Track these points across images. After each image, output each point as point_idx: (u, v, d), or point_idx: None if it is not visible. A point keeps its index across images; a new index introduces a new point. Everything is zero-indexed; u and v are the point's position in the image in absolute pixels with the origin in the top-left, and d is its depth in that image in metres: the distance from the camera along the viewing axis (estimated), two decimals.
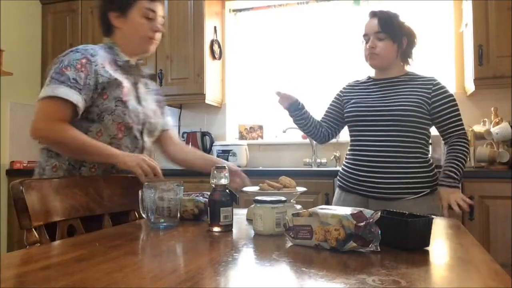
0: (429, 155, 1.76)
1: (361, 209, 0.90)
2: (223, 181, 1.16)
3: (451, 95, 1.73)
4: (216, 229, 1.13)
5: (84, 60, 1.38)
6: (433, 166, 1.74)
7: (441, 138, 1.79)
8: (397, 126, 1.68)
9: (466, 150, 1.69)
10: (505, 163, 2.44)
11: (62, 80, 1.34)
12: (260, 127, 3.46)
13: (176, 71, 3.22)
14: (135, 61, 1.57)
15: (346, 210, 0.91)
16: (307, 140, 3.17)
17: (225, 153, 3.13)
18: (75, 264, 0.80)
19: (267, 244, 0.99)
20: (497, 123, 2.55)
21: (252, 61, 3.53)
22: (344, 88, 1.93)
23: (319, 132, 1.91)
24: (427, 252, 0.90)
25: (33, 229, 1.09)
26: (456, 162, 1.67)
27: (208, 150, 3.28)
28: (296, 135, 3.25)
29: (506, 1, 2.53)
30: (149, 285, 0.67)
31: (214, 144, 3.29)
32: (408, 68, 1.83)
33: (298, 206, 1.31)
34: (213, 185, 1.16)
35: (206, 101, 3.20)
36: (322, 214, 0.91)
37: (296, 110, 1.88)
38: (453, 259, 0.88)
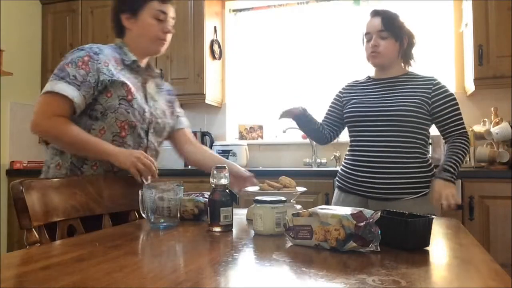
0: (428, 155, 1.76)
1: (361, 209, 0.91)
2: (223, 181, 1.16)
3: (452, 94, 1.73)
4: (216, 229, 1.13)
5: (86, 58, 1.41)
6: (432, 166, 1.74)
7: (442, 138, 1.78)
8: (397, 126, 1.68)
9: (466, 148, 1.68)
10: (505, 163, 2.44)
11: (62, 76, 1.37)
12: (260, 127, 3.46)
13: (176, 71, 3.22)
14: (146, 61, 1.59)
15: (346, 210, 0.91)
16: (307, 140, 3.17)
17: (225, 153, 3.13)
18: (75, 264, 0.80)
19: (267, 244, 0.99)
20: (497, 123, 2.55)
21: (252, 61, 3.53)
22: (343, 89, 1.93)
23: (322, 134, 1.91)
24: (427, 252, 0.90)
25: (33, 229, 1.09)
26: (455, 158, 1.66)
27: None
28: (296, 135, 3.25)
29: (506, 1, 2.53)
30: (149, 285, 0.67)
31: (214, 144, 3.29)
32: (408, 68, 1.83)
33: (298, 206, 1.31)
34: (213, 185, 1.16)
35: (206, 101, 3.20)
36: (322, 214, 0.91)
37: (301, 118, 1.86)
38: (453, 259, 0.88)
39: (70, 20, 3.48)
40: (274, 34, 3.47)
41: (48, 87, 1.37)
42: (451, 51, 3.01)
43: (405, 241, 0.90)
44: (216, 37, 3.35)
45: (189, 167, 3.23)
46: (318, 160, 3.16)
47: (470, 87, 2.71)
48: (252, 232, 1.10)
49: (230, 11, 3.56)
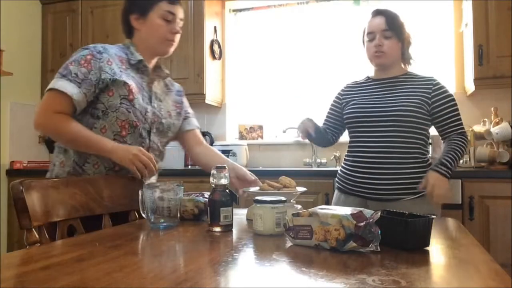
0: (428, 155, 1.76)
1: (361, 209, 0.91)
2: (223, 181, 1.16)
3: (451, 95, 1.73)
4: (216, 229, 1.13)
5: (89, 57, 1.43)
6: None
7: (440, 138, 1.78)
8: (396, 126, 1.68)
9: (464, 146, 1.68)
10: (505, 163, 2.44)
11: (64, 74, 1.40)
12: (260, 127, 3.46)
13: (176, 71, 3.22)
14: (155, 62, 1.60)
15: (346, 210, 0.91)
16: (307, 140, 3.16)
17: (225, 153, 3.11)
18: (75, 264, 0.80)
19: (267, 244, 0.99)
20: (497, 123, 2.55)
21: (252, 61, 3.53)
22: (342, 90, 1.93)
23: (327, 139, 1.90)
24: (427, 252, 0.90)
25: (33, 229, 1.09)
26: (452, 153, 1.65)
27: None
28: (296, 135, 3.25)
29: (506, 1, 2.53)
30: (149, 285, 0.67)
31: (214, 144, 3.29)
32: (407, 68, 1.83)
33: (298, 206, 1.31)
34: (213, 185, 1.16)
35: (206, 101, 3.20)
36: (322, 214, 0.91)
37: (315, 133, 1.81)
38: (453, 259, 0.88)
39: (70, 20, 3.47)
40: (274, 34, 3.47)
41: (50, 84, 1.41)
42: (451, 51, 3.01)
43: (405, 241, 0.90)
44: (216, 37, 3.35)
45: (189, 167, 3.23)
46: (318, 160, 3.16)
47: (470, 87, 2.71)
48: (252, 232, 1.10)
49: (230, 11, 3.55)
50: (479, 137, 2.56)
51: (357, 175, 1.73)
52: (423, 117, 1.70)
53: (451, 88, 2.85)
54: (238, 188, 1.47)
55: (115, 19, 3.32)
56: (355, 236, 0.85)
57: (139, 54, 1.53)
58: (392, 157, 1.67)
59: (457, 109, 1.72)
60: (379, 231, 0.87)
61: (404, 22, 1.77)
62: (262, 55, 3.50)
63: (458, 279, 0.73)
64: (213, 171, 1.17)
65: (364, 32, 1.81)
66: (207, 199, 1.22)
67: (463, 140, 1.69)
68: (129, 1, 1.57)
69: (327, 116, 1.96)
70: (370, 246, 0.86)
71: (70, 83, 1.38)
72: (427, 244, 0.93)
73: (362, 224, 0.86)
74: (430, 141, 1.83)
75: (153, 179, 1.63)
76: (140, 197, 1.20)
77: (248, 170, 1.55)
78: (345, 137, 1.93)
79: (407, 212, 0.99)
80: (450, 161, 1.63)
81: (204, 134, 3.36)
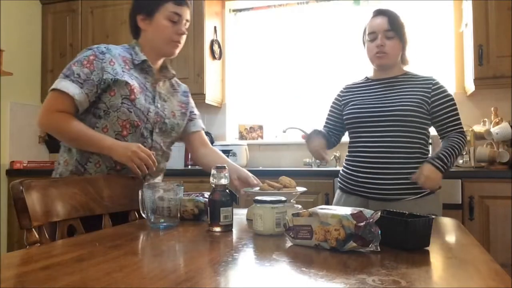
0: (429, 155, 1.76)
1: (361, 209, 0.91)
2: (223, 181, 1.16)
3: (450, 95, 1.73)
4: (216, 229, 1.13)
5: (92, 57, 1.45)
6: None
7: (439, 138, 1.78)
8: (397, 126, 1.68)
9: (463, 144, 1.67)
10: (505, 163, 2.44)
11: (67, 74, 1.43)
12: (260, 127, 3.46)
13: (176, 71, 3.16)
14: (161, 62, 1.61)
15: (346, 210, 0.91)
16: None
17: (225, 153, 3.11)
18: (75, 264, 0.80)
19: (267, 244, 0.99)
20: (497, 123, 2.55)
21: (252, 61, 3.53)
22: (341, 91, 1.92)
23: (330, 142, 1.89)
24: (427, 252, 0.90)
25: (33, 229, 1.09)
26: (450, 149, 1.64)
27: None
28: (296, 135, 3.25)
29: (506, 1, 2.53)
30: (149, 285, 0.67)
31: (214, 144, 3.29)
32: (406, 68, 1.83)
33: (298, 206, 1.31)
34: (213, 185, 1.16)
35: (206, 101, 3.20)
36: (322, 214, 0.91)
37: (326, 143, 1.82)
38: (453, 259, 0.88)
39: (70, 20, 3.47)
40: (274, 34, 3.47)
41: (53, 85, 1.43)
42: (451, 51, 3.01)
43: (405, 241, 0.90)
44: (216, 37, 3.35)
45: (189, 167, 3.23)
46: (318, 160, 3.15)
47: (470, 87, 2.71)
48: (252, 232, 1.10)
49: (230, 11, 3.55)
50: (479, 137, 2.56)
51: (358, 175, 1.73)
52: (423, 116, 1.70)
53: (451, 88, 2.85)
54: (238, 189, 1.46)
55: (115, 19, 3.32)
56: (355, 236, 0.85)
57: (143, 55, 1.54)
58: (393, 157, 1.67)
59: (456, 109, 1.72)
60: (379, 231, 0.87)
61: (405, 22, 1.77)
62: (262, 55, 3.50)
63: (458, 279, 0.73)
64: (213, 171, 1.17)
65: (364, 32, 1.81)
66: (207, 199, 1.22)
67: (461, 138, 1.69)
68: (136, 2, 1.57)
69: (327, 119, 1.96)
70: (370, 246, 0.86)
71: (72, 83, 1.40)
72: (427, 244, 0.93)
73: (362, 224, 0.86)
74: (430, 141, 1.83)
75: (158, 179, 1.63)
76: (140, 197, 1.20)
77: (248, 170, 1.55)
78: (345, 137, 1.93)
79: (407, 212, 0.99)
80: (447, 156, 1.62)
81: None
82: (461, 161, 2.67)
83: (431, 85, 1.72)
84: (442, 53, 3.04)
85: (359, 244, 0.86)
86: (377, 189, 1.68)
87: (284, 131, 3.11)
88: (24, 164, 3.25)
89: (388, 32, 1.72)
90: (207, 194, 1.27)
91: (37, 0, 3.54)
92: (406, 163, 1.66)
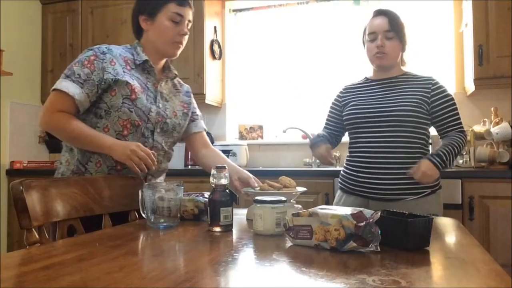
0: None
1: (361, 209, 0.90)
2: (223, 181, 1.16)
3: (450, 95, 1.73)
4: (216, 229, 1.13)
5: (92, 57, 1.45)
6: None
7: (440, 138, 1.78)
8: (397, 126, 1.68)
9: (463, 143, 1.67)
10: (505, 163, 2.44)
11: (68, 74, 1.44)
12: (260, 127, 3.46)
13: (176, 71, 3.22)
14: (163, 63, 1.61)
15: (346, 210, 0.91)
16: (307, 140, 3.17)
17: (225, 153, 3.11)
18: (75, 264, 0.80)
19: (267, 244, 0.99)
20: (497, 123, 2.55)
21: (252, 61, 3.53)
22: (341, 92, 1.92)
23: (332, 144, 1.89)
24: (427, 252, 0.90)
25: (33, 229, 1.09)
26: (450, 147, 1.64)
27: None
28: (296, 135, 3.25)
29: (506, 1, 2.53)
30: (149, 285, 0.67)
31: (214, 144, 3.28)
32: (405, 68, 1.83)
33: (298, 206, 1.31)
34: (213, 185, 1.16)
35: (206, 101, 3.19)
36: (322, 214, 0.91)
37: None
38: (453, 259, 0.88)
39: (70, 20, 3.47)
40: (274, 34, 3.47)
41: (55, 85, 1.44)
42: (451, 51, 3.01)
43: (405, 241, 0.90)
44: (216, 37, 3.35)
45: (189, 167, 3.23)
46: (318, 160, 3.15)
47: (470, 87, 2.71)
48: (252, 232, 1.10)
49: (230, 11, 3.55)
50: (479, 137, 2.56)
51: (359, 176, 1.73)
52: (423, 116, 1.70)
53: (451, 88, 2.85)
54: (239, 189, 1.46)
55: (115, 19, 3.32)
56: (355, 236, 0.85)
57: (144, 55, 1.54)
58: (393, 157, 1.67)
59: (456, 109, 1.72)
60: (379, 231, 0.87)
61: (405, 22, 1.77)
62: (262, 55, 3.50)
63: (458, 279, 0.73)
64: (213, 171, 1.17)
65: (364, 32, 1.81)
66: (207, 199, 1.22)
67: (462, 137, 1.69)
68: (138, 2, 1.57)
69: (327, 120, 1.96)
70: (370, 246, 0.86)
71: (73, 83, 1.41)
72: (427, 244, 0.93)
73: (362, 224, 0.86)
74: (430, 141, 1.83)
75: (160, 179, 1.63)
76: (140, 197, 1.20)
77: (248, 170, 1.55)
78: (345, 138, 1.93)
79: (407, 212, 0.99)
80: (446, 153, 1.62)
81: None
82: (461, 161, 2.67)
83: (430, 85, 1.72)
84: (442, 53, 3.05)
85: (359, 244, 0.86)
86: (377, 189, 1.68)
87: (284, 131, 3.11)
88: (24, 164, 3.25)
89: (388, 33, 1.72)
90: (207, 194, 1.27)
91: (37, 0, 3.54)
92: (406, 163, 1.66)
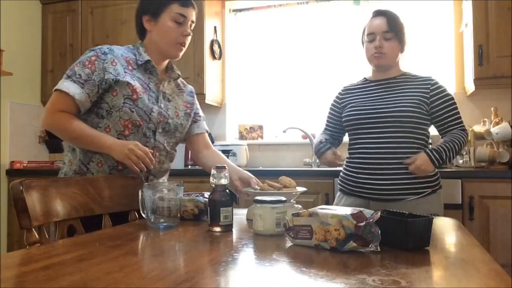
0: None
1: (361, 209, 0.90)
2: (223, 181, 1.16)
3: (449, 94, 1.73)
4: (216, 229, 1.13)
5: (93, 58, 1.46)
6: None
7: (441, 137, 1.78)
8: (397, 127, 1.68)
9: (463, 141, 1.67)
10: (505, 163, 2.44)
11: (69, 75, 1.45)
12: (260, 127, 3.46)
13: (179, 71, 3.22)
14: (166, 63, 1.61)
15: (346, 210, 0.91)
16: (307, 140, 3.17)
17: (225, 153, 3.12)
18: (75, 264, 0.80)
19: (267, 244, 0.99)
20: (497, 123, 2.55)
21: (252, 61, 3.53)
22: (340, 93, 1.92)
23: (334, 145, 1.89)
24: (427, 252, 0.90)
25: (33, 229, 1.09)
26: (450, 144, 1.64)
27: None
28: (296, 135, 3.25)
29: (506, 1, 2.53)
30: (149, 285, 0.67)
31: (214, 144, 3.28)
32: (404, 68, 1.83)
33: (298, 206, 1.31)
34: (213, 185, 1.16)
35: (206, 101, 3.19)
36: (322, 214, 0.91)
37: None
38: (453, 259, 0.88)
39: (70, 20, 3.47)
40: (274, 34, 3.47)
41: (57, 85, 1.45)
42: (451, 51, 3.01)
43: (405, 241, 0.90)
44: (216, 37, 3.35)
45: (189, 167, 3.23)
46: (318, 160, 3.15)
47: (470, 87, 2.71)
48: (252, 232, 1.10)
49: (230, 11, 3.55)
50: (479, 137, 2.56)
51: (359, 176, 1.73)
52: (422, 117, 1.70)
53: (451, 88, 2.85)
54: (239, 189, 1.46)
55: (115, 19, 3.32)
56: (355, 236, 0.86)
57: (146, 55, 1.54)
58: (393, 158, 1.67)
59: (456, 108, 1.72)
60: (379, 231, 0.87)
61: (404, 23, 1.77)
62: (262, 55, 3.50)
63: (458, 279, 0.73)
64: (213, 171, 1.17)
65: (363, 32, 1.81)
66: (207, 199, 1.22)
67: (463, 135, 1.68)
68: (142, 2, 1.57)
69: (327, 121, 1.96)
70: (370, 246, 0.86)
71: (74, 83, 1.42)
72: (427, 244, 0.93)
73: (362, 224, 0.86)
74: (430, 141, 1.83)
75: (163, 179, 1.63)
76: (140, 197, 1.20)
77: (248, 170, 1.55)
78: (345, 138, 1.93)
79: (407, 212, 0.99)
80: (446, 150, 1.62)
81: None
82: (461, 161, 2.67)
83: (429, 85, 1.72)
84: (442, 53, 3.04)
85: (359, 244, 0.86)
86: (377, 189, 1.68)
87: (284, 131, 3.11)
88: (24, 164, 3.25)
89: (387, 34, 1.72)
90: (207, 194, 1.27)
91: (37, 0, 3.54)
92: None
